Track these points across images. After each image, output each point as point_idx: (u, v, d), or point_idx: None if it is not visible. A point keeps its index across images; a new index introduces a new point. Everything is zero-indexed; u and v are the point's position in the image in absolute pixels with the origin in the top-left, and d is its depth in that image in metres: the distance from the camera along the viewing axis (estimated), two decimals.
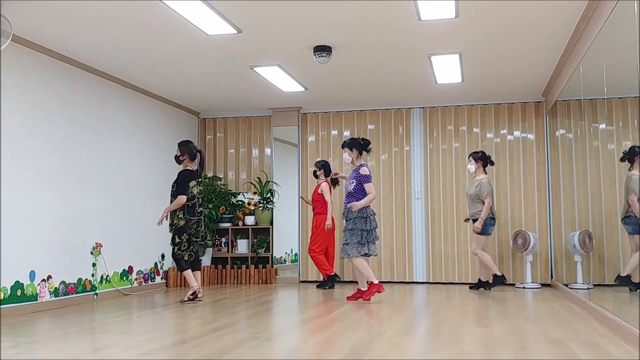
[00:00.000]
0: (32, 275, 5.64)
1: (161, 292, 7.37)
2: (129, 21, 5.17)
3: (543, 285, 7.82)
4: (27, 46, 5.62)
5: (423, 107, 8.45)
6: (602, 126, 4.84)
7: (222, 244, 8.80)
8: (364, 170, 6.15)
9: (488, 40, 5.71)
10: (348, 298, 6.27)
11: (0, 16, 4.64)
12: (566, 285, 6.74)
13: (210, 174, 9.01)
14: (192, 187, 6.16)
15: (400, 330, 4.39)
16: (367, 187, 6.13)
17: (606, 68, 4.57)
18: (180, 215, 6.12)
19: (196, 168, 6.32)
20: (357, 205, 5.98)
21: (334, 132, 8.70)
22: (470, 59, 6.34)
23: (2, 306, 5.24)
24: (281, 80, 7.15)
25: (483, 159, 7.27)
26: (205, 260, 8.45)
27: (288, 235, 8.96)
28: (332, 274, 7.61)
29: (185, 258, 6.16)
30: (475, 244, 7.21)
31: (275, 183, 8.78)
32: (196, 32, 5.44)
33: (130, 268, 7.27)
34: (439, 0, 4.70)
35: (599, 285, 5.25)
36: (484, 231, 7.12)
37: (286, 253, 9.01)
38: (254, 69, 6.67)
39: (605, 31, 4.46)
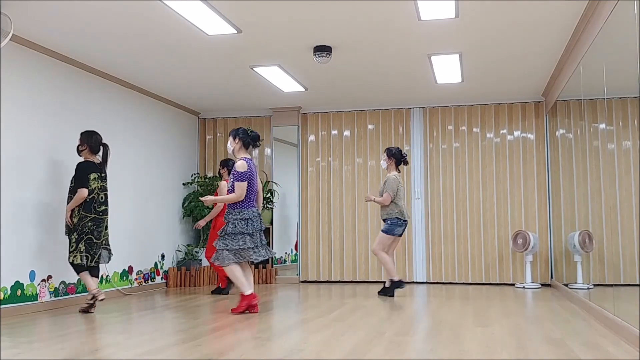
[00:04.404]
0: (32, 275, 5.64)
1: (161, 292, 7.37)
2: (129, 21, 5.17)
3: (543, 285, 7.82)
4: (27, 46, 5.62)
5: (423, 107, 8.45)
6: (602, 126, 4.84)
7: None
8: (239, 165, 5.29)
9: (488, 40, 5.71)
10: (233, 310, 5.34)
11: (0, 14, 4.64)
12: (566, 285, 6.74)
13: (210, 174, 9.01)
14: (92, 180, 5.47)
15: (400, 330, 4.39)
16: (236, 186, 5.23)
17: (606, 68, 4.57)
18: (75, 212, 5.42)
19: (99, 162, 5.63)
20: (207, 199, 5.33)
21: (334, 132, 8.70)
22: (470, 59, 6.34)
23: (2, 306, 5.24)
24: (281, 80, 7.15)
25: (396, 157, 6.72)
26: (205, 261, 8.44)
27: (288, 235, 8.97)
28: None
29: (77, 261, 5.35)
30: (377, 243, 6.61)
31: (275, 183, 8.77)
32: (196, 32, 5.44)
33: (130, 268, 7.27)
34: (439, 0, 4.70)
35: (599, 285, 5.24)
36: (390, 231, 6.57)
37: (286, 253, 9.03)
38: (254, 69, 6.67)
39: (605, 31, 4.46)
